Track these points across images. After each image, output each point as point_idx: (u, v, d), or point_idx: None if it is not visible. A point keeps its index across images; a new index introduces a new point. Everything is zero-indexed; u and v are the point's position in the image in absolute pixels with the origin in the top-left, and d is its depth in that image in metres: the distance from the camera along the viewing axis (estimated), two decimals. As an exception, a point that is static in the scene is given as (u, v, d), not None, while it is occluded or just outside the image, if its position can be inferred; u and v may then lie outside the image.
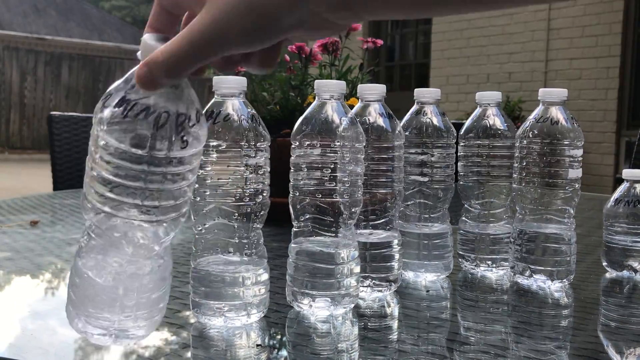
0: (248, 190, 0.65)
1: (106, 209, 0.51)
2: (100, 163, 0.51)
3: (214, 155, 0.65)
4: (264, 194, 0.67)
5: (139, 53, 0.47)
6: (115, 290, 0.53)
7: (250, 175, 0.65)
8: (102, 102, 0.50)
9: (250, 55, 0.47)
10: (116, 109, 0.48)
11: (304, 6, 0.41)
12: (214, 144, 0.64)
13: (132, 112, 0.48)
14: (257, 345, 0.63)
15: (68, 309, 0.55)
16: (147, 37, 0.48)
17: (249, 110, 0.67)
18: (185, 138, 0.50)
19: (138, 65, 0.46)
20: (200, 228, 0.68)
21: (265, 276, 0.68)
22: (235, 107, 0.66)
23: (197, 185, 0.66)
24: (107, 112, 0.49)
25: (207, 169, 0.65)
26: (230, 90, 0.67)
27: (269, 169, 0.68)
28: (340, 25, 0.44)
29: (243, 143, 0.65)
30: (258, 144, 0.66)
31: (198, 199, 0.66)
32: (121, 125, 0.48)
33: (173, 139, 0.49)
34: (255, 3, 0.40)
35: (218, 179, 0.65)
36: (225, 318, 0.65)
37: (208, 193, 0.65)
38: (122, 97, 0.48)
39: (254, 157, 0.65)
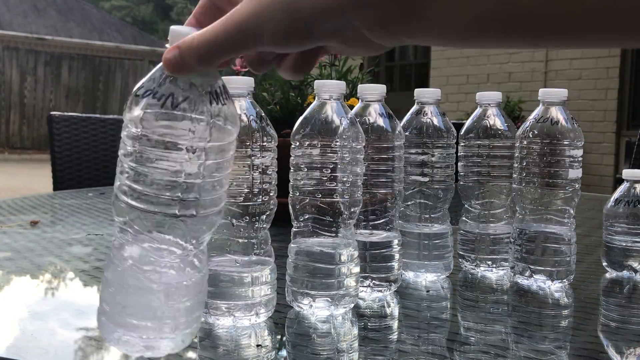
0: (255, 190, 0.66)
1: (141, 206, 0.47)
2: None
3: None
4: (271, 194, 0.67)
5: (167, 44, 0.46)
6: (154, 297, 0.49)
7: (258, 175, 0.66)
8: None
9: (283, 58, 0.46)
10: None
11: (342, 17, 0.39)
12: None
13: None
14: (257, 345, 0.63)
15: (101, 321, 0.50)
16: (177, 27, 0.46)
17: (257, 110, 0.67)
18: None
19: (166, 50, 0.44)
20: None
21: (273, 276, 0.68)
22: (243, 108, 0.66)
23: None
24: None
25: None
26: (238, 91, 0.67)
27: (276, 169, 0.68)
28: (376, 45, 0.42)
29: (251, 143, 0.65)
30: (266, 144, 0.66)
31: None
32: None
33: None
34: (292, 5, 0.39)
35: None
36: (234, 318, 0.66)
37: None
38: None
39: (262, 157, 0.66)
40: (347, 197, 0.70)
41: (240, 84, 0.67)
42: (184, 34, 0.44)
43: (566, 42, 0.39)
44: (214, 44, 0.42)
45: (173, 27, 0.46)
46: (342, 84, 0.71)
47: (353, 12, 0.38)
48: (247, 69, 1.48)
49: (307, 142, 0.70)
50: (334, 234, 0.71)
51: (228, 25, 0.41)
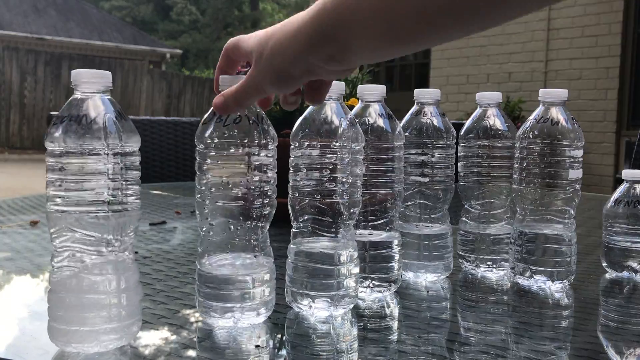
0: (255, 191, 0.65)
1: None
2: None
3: (221, 155, 0.65)
4: (270, 194, 0.67)
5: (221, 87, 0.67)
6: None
7: (257, 176, 0.65)
8: None
9: (305, 94, 0.66)
10: None
11: (304, 61, 0.58)
12: (220, 142, 0.64)
13: None
14: (256, 346, 0.63)
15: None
16: (225, 76, 0.68)
17: (258, 110, 0.67)
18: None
19: (217, 96, 0.65)
20: (205, 229, 0.67)
21: (273, 276, 0.68)
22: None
23: (202, 188, 0.66)
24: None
25: (214, 169, 0.65)
26: None
27: (276, 170, 0.68)
28: (337, 71, 0.60)
29: (251, 143, 0.64)
30: (266, 144, 0.66)
31: (206, 201, 0.66)
32: None
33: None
34: (273, 62, 0.60)
35: (224, 180, 0.65)
36: (234, 319, 0.65)
37: (215, 193, 0.65)
38: None
39: (262, 157, 0.65)
40: (346, 197, 0.70)
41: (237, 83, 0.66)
42: (228, 80, 0.67)
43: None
44: (242, 94, 0.63)
45: (223, 77, 0.68)
46: (341, 84, 0.71)
47: (309, 56, 0.57)
48: (246, 69, 1.48)
49: (307, 143, 0.70)
50: (333, 235, 0.71)
51: (247, 82, 0.63)
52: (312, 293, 0.70)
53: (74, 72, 0.59)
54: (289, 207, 0.72)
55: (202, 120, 0.66)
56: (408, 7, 0.50)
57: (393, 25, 0.52)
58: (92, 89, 0.59)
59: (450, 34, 0.53)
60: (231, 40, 0.69)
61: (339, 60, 0.57)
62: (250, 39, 0.64)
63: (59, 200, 0.57)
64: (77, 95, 0.59)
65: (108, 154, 0.57)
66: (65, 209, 0.57)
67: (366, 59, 0.60)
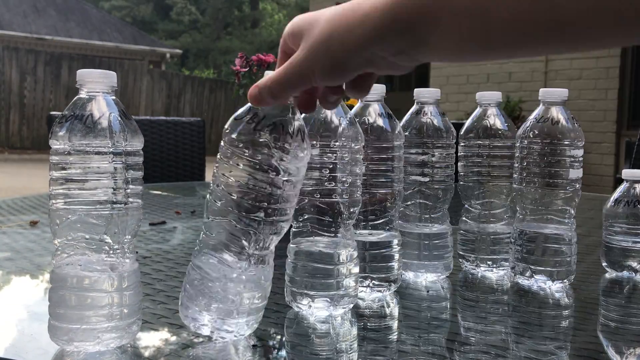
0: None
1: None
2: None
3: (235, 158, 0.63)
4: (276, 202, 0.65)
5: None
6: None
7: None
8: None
9: (347, 85, 0.57)
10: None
11: (367, 51, 0.49)
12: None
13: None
14: (253, 345, 0.63)
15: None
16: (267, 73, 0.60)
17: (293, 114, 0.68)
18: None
19: (252, 86, 0.58)
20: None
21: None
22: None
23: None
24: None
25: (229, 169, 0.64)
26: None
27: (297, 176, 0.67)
28: (403, 65, 0.51)
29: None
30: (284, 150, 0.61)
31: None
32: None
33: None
34: (330, 48, 0.51)
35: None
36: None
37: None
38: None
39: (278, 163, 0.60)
40: (346, 197, 0.70)
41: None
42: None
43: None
44: (281, 83, 0.55)
45: (266, 72, 0.60)
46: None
47: (374, 47, 0.49)
48: (247, 69, 1.48)
49: (307, 142, 0.69)
50: (333, 234, 0.71)
51: (289, 69, 0.54)
52: (311, 293, 0.70)
53: (79, 71, 0.59)
54: (289, 207, 0.72)
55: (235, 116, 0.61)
56: (521, 12, 0.42)
57: (489, 28, 0.43)
58: (97, 89, 0.59)
59: (550, 50, 0.46)
60: (287, 27, 0.58)
61: (411, 55, 0.49)
62: (301, 20, 0.55)
63: (61, 198, 0.58)
64: (82, 94, 0.59)
65: (112, 153, 0.57)
66: (68, 207, 0.57)
67: (440, 58, 0.51)
